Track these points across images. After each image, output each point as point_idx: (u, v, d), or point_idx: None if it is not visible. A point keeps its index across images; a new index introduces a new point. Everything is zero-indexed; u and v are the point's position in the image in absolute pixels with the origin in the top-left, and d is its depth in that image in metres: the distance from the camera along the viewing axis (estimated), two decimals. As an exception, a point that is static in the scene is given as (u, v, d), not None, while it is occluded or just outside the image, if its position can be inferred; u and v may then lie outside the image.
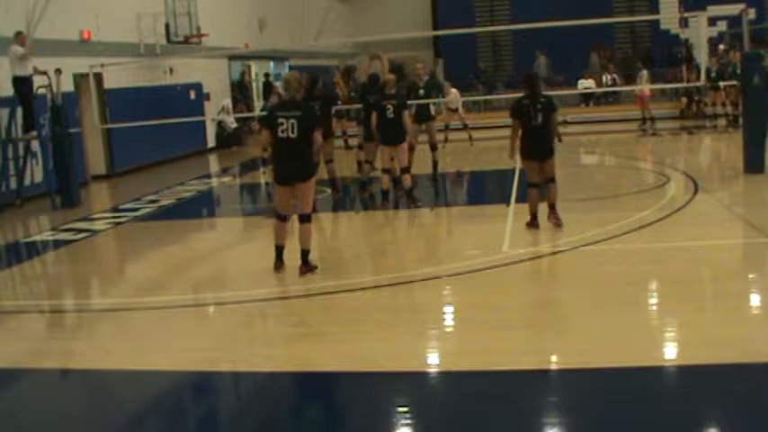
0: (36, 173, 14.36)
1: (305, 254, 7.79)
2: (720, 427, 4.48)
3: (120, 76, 17.09)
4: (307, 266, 7.80)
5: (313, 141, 7.66)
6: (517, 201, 11.20)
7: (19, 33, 13.21)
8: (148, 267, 9.43)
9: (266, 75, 25.43)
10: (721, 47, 21.72)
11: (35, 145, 14.14)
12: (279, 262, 7.90)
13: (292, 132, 7.52)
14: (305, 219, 7.79)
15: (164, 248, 10.34)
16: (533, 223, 9.17)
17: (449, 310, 6.99)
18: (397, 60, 13.44)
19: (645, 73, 20.67)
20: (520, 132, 9.17)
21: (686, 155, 16.73)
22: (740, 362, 5.11)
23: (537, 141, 9.11)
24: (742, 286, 7.06)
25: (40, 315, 7.70)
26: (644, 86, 19.62)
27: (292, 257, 7.92)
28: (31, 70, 13.26)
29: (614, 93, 24.42)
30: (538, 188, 9.18)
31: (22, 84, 13.31)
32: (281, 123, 7.55)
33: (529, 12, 24.88)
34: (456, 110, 19.17)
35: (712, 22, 21.84)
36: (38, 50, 13.79)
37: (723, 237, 8.67)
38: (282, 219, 7.90)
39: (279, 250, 7.94)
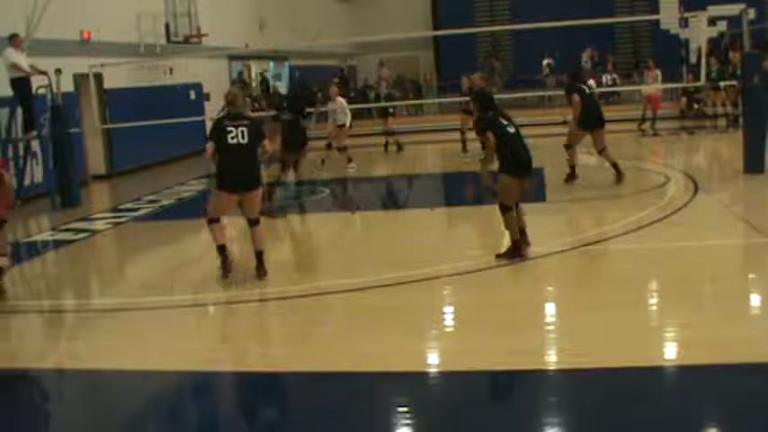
0: (36, 173, 14.37)
1: (260, 255, 7.82)
2: (720, 427, 4.48)
3: (120, 76, 17.10)
4: (263, 269, 7.80)
5: (263, 150, 7.76)
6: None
7: (14, 36, 13.16)
8: (148, 267, 9.44)
9: (260, 73, 25.12)
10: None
11: (35, 145, 14.14)
12: (226, 261, 7.82)
13: (243, 138, 7.56)
14: (257, 222, 7.83)
15: (164, 248, 10.35)
16: (521, 251, 7.95)
17: (449, 310, 6.99)
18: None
19: (657, 73, 20.65)
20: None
21: (686, 155, 16.73)
22: (740, 362, 5.11)
23: (522, 151, 7.97)
24: (742, 286, 7.06)
25: (40, 315, 7.69)
26: (649, 87, 19.60)
27: (281, 258, 7.92)
28: (29, 69, 13.23)
29: (615, 93, 24.40)
30: (513, 211, 7.99)
31: (20, 84, 13.30)
32: (231, 131, 7.57)
33: (529, 12, 24.88)
34: (343, 126, 16.19)
35: (712, 22, 21.82)
36: (38, 50, 13.80)
37: (723, 237, 8.67)
38: (216, 220, 7.86)
39: (223, 249, 7.85)
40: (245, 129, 7.60)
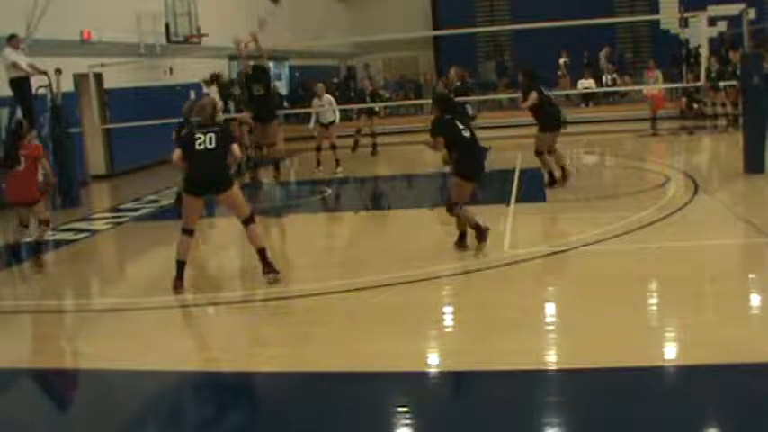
0: (36, 173, 14.33)
1: (262, 253, 7.65)
2: (720, 427, 4.48)
3: (120, 76, 17.10)
4: (269, 267, 7.62)
5: (231, 154, 7.66)
6: (517, 201, 11.21)
7: (13, 36, 13.17)
8: (148, 267, 9.44)
9: (240, 73, 24.60)
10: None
11: (35, 145, 14.13)
12: (179, 280, 7.60)
13: (210, 143, 7.51)
14: (248, 221, 7.67)
15: (164, 248, 10.31)
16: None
17: (448, 310, 6.99)
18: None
19: (658, 73, 20.66)
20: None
21: (686, 155, 16.73)
22: (740, 362, 5.11)
23: (475, 155, 8.47)
24: (742, 286, 7.06)
25: (40, 315, 7.69)
26: (650, 87, 19.61)
27: (280, 259, 7.90)
28: (29, 69, 13.22)
29: (618, 93, 24.40)
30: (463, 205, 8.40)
31: (20, 84, 13.30)
32: (198, 138, 7.54)
33: (529, 12, 24.86)
34: (330, 124, 16.13)
35: (712, 21, 21.83)
36: (38, 50, 13.80)
37: (723, 237, 8.67)
38: (188, 233, 7.71)
39: (180, 266, 7.63)
40: (212, 134, 7.55)
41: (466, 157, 8.29)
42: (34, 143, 9.49)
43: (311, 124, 16.47)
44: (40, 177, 9.29)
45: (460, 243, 8.49)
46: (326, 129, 16.04)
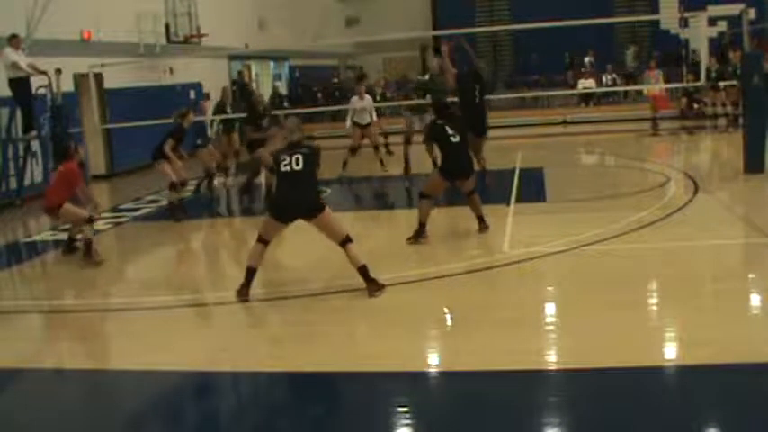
0: (36, 173, 14.36)
1: (362, 270, 7.16)
2: (720, 427, 4.48)
3: (120, 76, 17.11)
4: (371, 283, 7.15)
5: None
6: (517, 201, 11.21)
7: (13, 36, 13.17)
8: (148, 267, 9.44)
9: (239, 73, 23.38)
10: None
11: (35, 145, 14.15)
12: (246, 288, 7.22)
13: (297, 165, 7.15)
14: (344, 242, 7.25)
15: (164, 248, 10.35)
16: (422, 233, 8.98)
17: (449, 309, 6.98)
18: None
19: (659, 73, 20.68)
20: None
21: (686, 155, 16.73)
22: (740, 362, 5.11)
23: (459, 159, 9.05)
24: (742, 286, 7.06)
25: (40, 315, 7.70)
26: (651, 86, 19.63)
27: (281, 259, 7.89)
28: (29, 69, 13.22)
29: (617, 93, 24.41)
30: (432, 200, 9.14)
31: (19, 85, 13.30)
32: (284, 159, 7.19)
33: (529, 12, 24.88)
34: (367, 125, 15.79)
35: (712, 21, 21.83)
36: (38, 50, 13.80)
37: (723, 237, 8.67)
38: (263, 242, 7.36)
39: (250, 273, 7.25)
40: (300, 155, 7.19)
41: (450, 160, 9.08)
42: (73, 165, 9.45)
43: (347, 124, 16.12)
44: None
45: (416, 236, 8.94)
46: (364, 129, 15.67)
